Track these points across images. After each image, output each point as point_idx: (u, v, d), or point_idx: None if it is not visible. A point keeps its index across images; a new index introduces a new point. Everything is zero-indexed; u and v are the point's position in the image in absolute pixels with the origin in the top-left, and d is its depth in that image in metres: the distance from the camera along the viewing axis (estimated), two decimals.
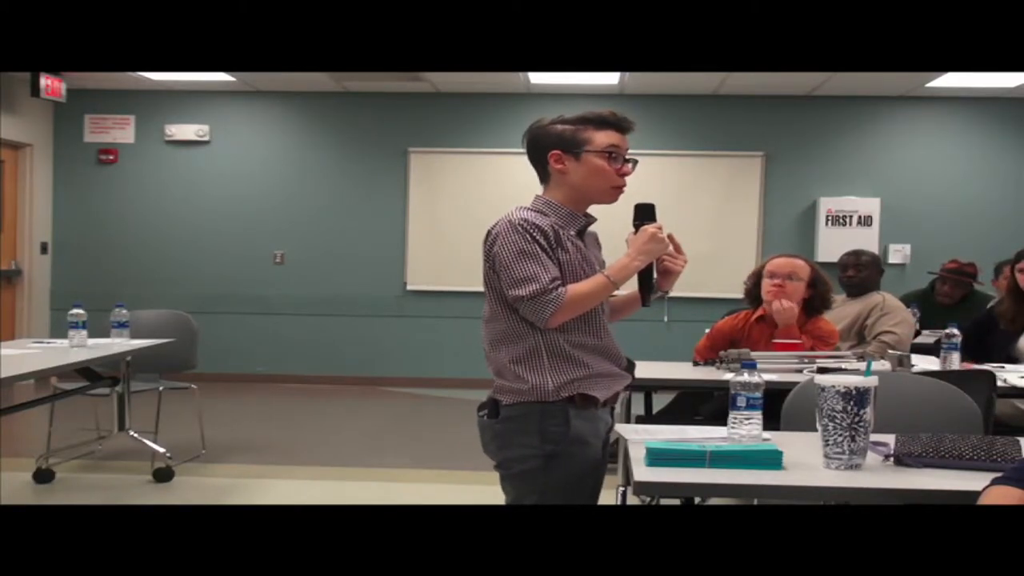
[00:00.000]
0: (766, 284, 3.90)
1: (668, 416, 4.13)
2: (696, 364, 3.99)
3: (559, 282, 2.24)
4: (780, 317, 3.84)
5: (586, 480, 2.34)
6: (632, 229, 2.39)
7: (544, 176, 2.41)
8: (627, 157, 2.38)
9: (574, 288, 2.25)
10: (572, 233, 2.35)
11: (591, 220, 2.44)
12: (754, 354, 3.57)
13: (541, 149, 2.38)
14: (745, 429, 2.22)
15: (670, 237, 2.39)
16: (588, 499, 2.36)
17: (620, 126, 2.37)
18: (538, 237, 2.25)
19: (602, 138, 2.35)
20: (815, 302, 3.93)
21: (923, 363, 3.85)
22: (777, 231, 8.00)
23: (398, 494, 4.67)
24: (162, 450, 4.88)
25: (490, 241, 2.31)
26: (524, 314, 2.26)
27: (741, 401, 2.22)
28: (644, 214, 2.39)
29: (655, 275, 2.41)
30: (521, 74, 7.32)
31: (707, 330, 4.17)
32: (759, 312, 3.98)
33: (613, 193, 2.38)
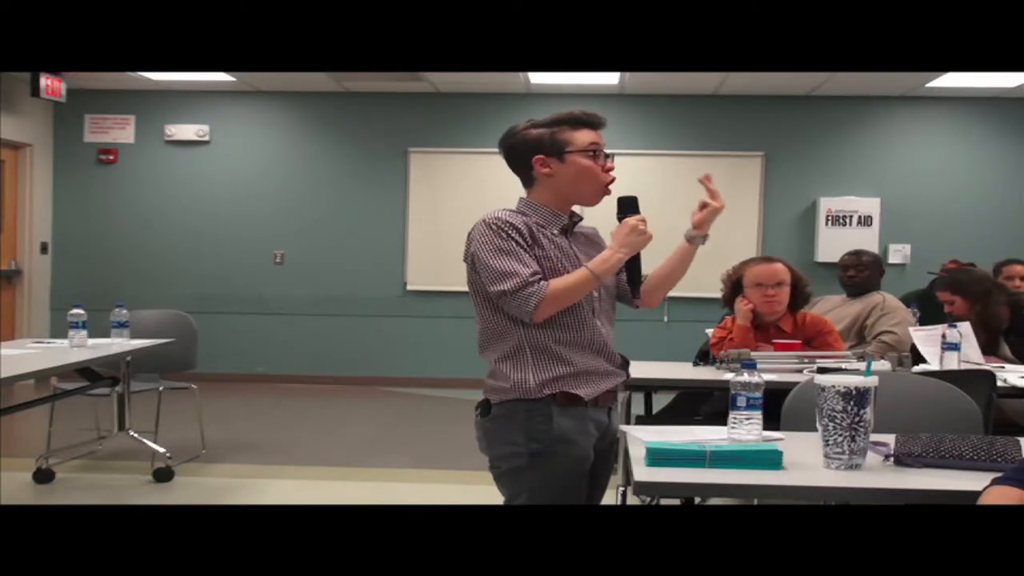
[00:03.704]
0: (756, 295, 3.93)
1: (668, 416, 4.14)
2: (696, 364, 4.02)
3: (539, 276, 2.26)
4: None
5: (573, 479, 2.33)
6: (617, 223, 2.41)
7: (528, 180, 2.42)
8: (606, 152, 2.41)
9: (556, 282, 2.27)
10: (554, 232, 2.37)
11: (577, 219, 2.45)
12: (754, 354, 3.59)
13: (522, 155, 2.39)
14: (745, 429, 2.22)
15: (707, 178, 2.50)
16: (577, 498, 2.34)
17: (593, 123, 2.39)
18: (513, 234, 2.28)
19: (581, 137, 2.37)
20: (798, 300, 3.99)
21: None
22: (777, 231, 8.00)
23: (398, 494, 4.67)
24: (162, 450, 4.88)
25: (468, 243, 2.35)
26: (508, 309, 2.28)
27: (741, 401, 2.22)
28: (627, 207, 2.41)
29: (642, 267, 2.45)
30: (521, 74, 7.32)
31: (711, 331, 4.19)
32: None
33: (601, 193, 2.41)
